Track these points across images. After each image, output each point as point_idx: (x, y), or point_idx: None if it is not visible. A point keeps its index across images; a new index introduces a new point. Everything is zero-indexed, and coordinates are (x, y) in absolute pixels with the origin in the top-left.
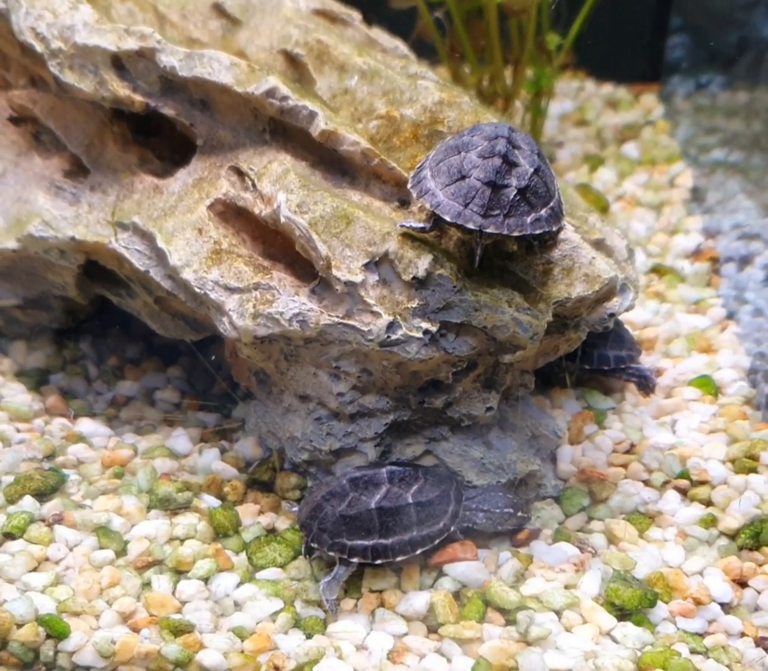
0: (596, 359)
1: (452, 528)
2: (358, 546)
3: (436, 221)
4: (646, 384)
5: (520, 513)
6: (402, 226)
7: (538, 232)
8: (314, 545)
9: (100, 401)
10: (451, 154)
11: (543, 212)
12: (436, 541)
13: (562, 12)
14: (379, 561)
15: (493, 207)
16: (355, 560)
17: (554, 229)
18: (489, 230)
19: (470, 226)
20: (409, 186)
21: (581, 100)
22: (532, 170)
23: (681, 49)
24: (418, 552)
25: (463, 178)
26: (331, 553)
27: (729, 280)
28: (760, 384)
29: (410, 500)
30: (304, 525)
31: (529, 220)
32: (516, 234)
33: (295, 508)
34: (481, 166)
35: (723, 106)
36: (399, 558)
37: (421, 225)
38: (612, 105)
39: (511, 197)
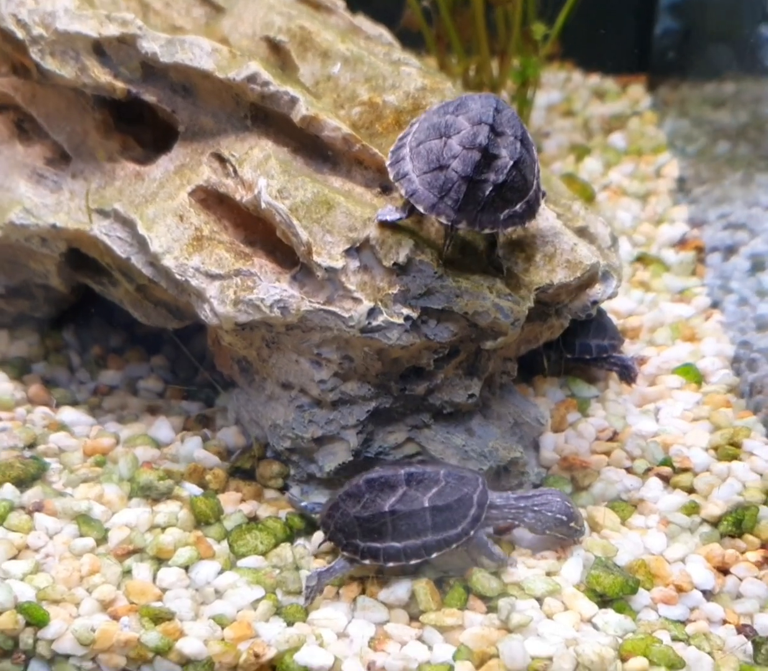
0: (578, 348)
1: (472, 533)
2: (370, 548)
3: (412, 207)
4: (627, 374)
5: (572, 524)
6: (380, 220)
7: (509, 229)
8: (332, 543)
9: (83, 390)
10: (432, 136)
11: (518, 207)
12: (454, 545)
13: (549, 1)
14: (390, 564)
15: (467, 202)
16: (366, 562)
17: (526, 224)
18: (460, 226)
19: (443, 220)
20: (387, 164)
21: (568, 91)
22: (511, 163)
23: (668, 39)
24: (434, 556)
25: (441, 168)
26: (345, 553)
27: (714, 269)
28: (743, 373)
29: (426, 504)
30: (323, 523)
31: (502, 216)
32: (487, 231)
33: (301, 501)
34: (461, 157)
35: (710, 96)
36: (412, 562)
37: (397, 215)
38: (599, 95)
39: (487, 193)
